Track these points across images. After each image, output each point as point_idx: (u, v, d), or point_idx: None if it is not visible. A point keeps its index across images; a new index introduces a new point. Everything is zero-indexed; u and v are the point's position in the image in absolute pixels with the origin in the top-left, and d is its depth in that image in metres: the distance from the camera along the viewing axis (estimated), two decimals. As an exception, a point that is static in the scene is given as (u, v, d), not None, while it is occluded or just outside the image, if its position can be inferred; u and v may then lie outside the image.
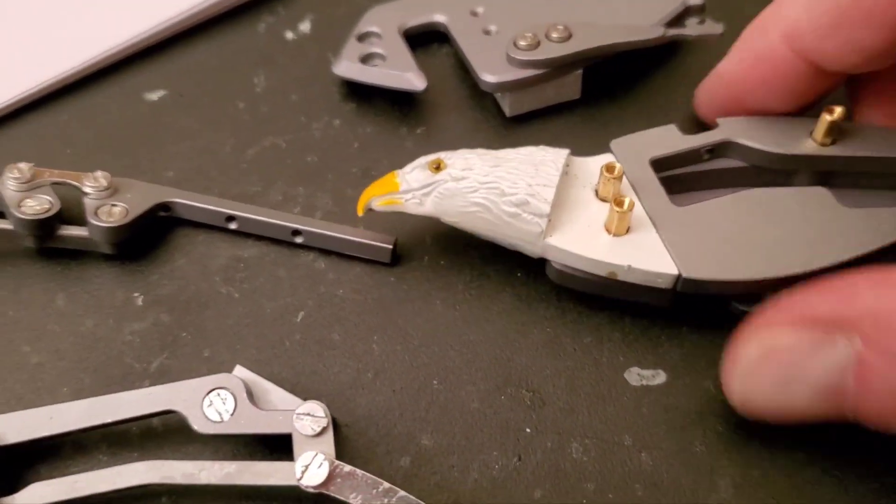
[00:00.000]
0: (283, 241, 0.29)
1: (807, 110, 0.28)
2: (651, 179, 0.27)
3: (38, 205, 0.27)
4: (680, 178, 0.28)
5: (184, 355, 0.27)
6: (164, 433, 0.25)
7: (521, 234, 0.26)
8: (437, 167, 0.26)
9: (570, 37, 0.30)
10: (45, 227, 0.27)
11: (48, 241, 0.28)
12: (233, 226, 0.28)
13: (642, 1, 0.32)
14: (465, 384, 0.26)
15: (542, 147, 0.27)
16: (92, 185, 0.28)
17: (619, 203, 0.25)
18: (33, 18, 0.34)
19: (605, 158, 0.27)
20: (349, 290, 0.28)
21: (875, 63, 0.25)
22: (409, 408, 0.26)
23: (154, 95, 0.33)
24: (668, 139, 0.28)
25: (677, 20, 0.32)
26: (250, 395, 0.24)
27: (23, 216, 0.27)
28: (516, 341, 0.27)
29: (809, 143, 0.27)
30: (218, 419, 0.23)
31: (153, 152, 0.31)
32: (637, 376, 0.26)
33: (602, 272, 0.26)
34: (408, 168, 0.27)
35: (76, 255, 0.28)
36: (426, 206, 0.26)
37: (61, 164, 0.29)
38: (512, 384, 0.26)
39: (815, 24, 0.25)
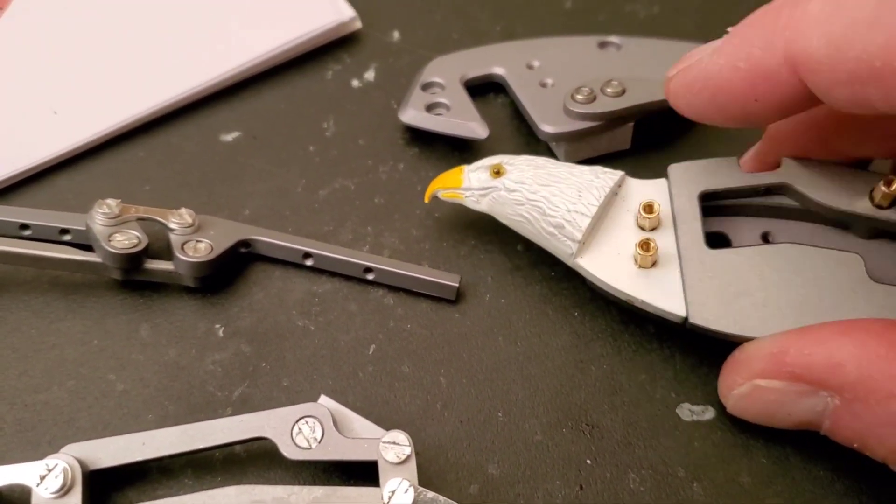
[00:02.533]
0: (354, 277, 0.30)
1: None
2: (694, 216, 0.28)
3: (126, 240, 0.29)
4: (729, 207, 0.29)
5: (264, 384, 0.28)
6: (247, 459, 0.26)
7: (556, 250, 0.29)
8: (498, 172, 0.29)
9: (623, 92, 0.32)
10: (133, 261, 0.29)
11: (133, 274, 0.29)
12: (309, 262, 0.30)
13: (688, 59, 0.34)
14: (528, 417, 0.28)
15: (596, 169, 0.29)
16: (177, 221, 0.29)
17: (645, 247, 0.27)
18: (115, 60, 0.36)
19: (660, 184, 0.29)
20: (417, 325, 0.30)
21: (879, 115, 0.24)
22: (476, 438, 0.27)
23: (229, 136, 0.35)
24: (726, 172, 0.28)
25: (720, 77, 0.34)
26: (335, 423, 0.25)
27: (113, 250, 0.28)
28: (575, 377, 0.29)
29: (866, 202, 0.27)
30: (307, 446, 0.25)
31: (230, 191, 0.33)
32: (688, 412, 0.28)
33: (621, 297, 0.28)
34: (473, 166, 0.30)
35: (158, 287, 0.30)
36: (482, 206, 0.30)
37: (140, 200, 0.31)
38: (572, 418, 0.28)
39: (833, 68, 0.22)
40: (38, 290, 0.30)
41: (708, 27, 0.39)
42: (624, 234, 0.28)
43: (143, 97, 0.34)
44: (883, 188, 0.27)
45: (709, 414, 0.28)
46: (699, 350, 0.29)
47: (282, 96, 0.36)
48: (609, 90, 0.32)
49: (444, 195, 0.30)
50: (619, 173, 0.29)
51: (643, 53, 0.35)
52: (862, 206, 0.27)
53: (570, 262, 0.29)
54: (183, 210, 0.30)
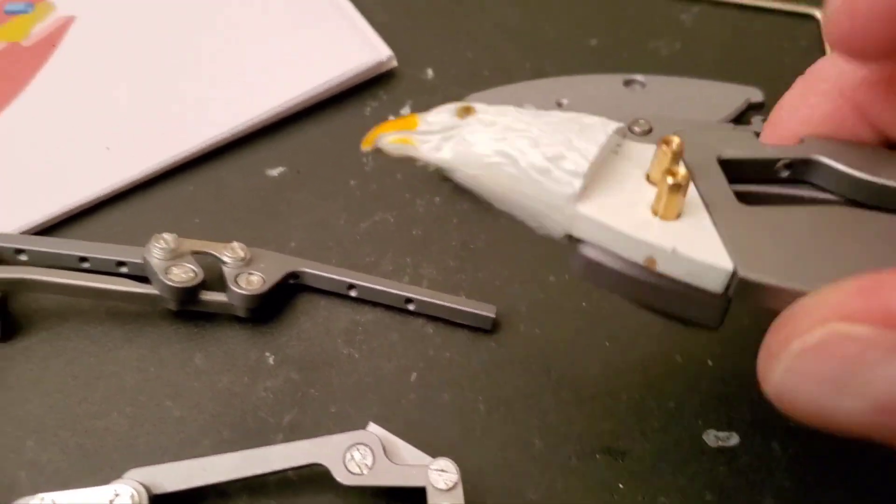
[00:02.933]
0: (395, 307, 0.32)
1: None
2: (715, 169, 0.23)
3: (183, 273, 0.30)
4: (749, 195, 0.23)
5: (313, 411, 0.30)
6: (299, 483, 0.28)
7: (548, 196, 0.21)
8: (467, 111, 0.23)
9: (651, 130, 0.33)
10: (189, 294, 0.30)
11: (188, 305, 0.31)
12: (353, 293, 0.32)
13: (710, 98, 0.36)
14: (563, 443, 0.29)
15: (591, 115, 0.23)
16: (231, 255, 0.31)
17: (673, 173, 0.20)
18: (164, 98, 0.37)
19: None
20: (455, 353, 0.31)
21: None
22: (514, 464, 0.29)
23: (274, 171, 0.36)
24: (744, 141, 0.24)
25: (742, 115, 0.36)
26: (385, 450, 0.27)
27: (171, 283, 0.30)
28: (607, 404, 0.30)
29: None
30: (359, 472, 0.26)
31: (276, 224, 0.34)
32: (714, 438, 0.29)
33: (639, 257, 0.21)
34: (433, 110, 0.23)
35: (210, 317, 0.32)
36: (444, 153, 0.22)
37: (190, 233, 0.32)
38: (605, 444, 0.29)
39: None
40: (97, 320, 0.32)
41: (728, 64, 0.41)
42: (635, 185, 0.22)
43: (191, 134, 0.36)
44: None
45: (733, 440, 0.29)
46: (723, 379, 0.30)
47: (323, 132, 0.37)
48: (637, 129, 0.33)
49: (391, 141, 0.23)
50: (618, 123, 0.23)
51: (667, 91, 0.37)
52: None
53: (566, 216, 0.21)
54: (235, 244, 0.31)
